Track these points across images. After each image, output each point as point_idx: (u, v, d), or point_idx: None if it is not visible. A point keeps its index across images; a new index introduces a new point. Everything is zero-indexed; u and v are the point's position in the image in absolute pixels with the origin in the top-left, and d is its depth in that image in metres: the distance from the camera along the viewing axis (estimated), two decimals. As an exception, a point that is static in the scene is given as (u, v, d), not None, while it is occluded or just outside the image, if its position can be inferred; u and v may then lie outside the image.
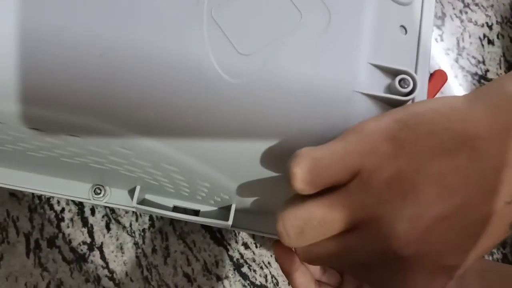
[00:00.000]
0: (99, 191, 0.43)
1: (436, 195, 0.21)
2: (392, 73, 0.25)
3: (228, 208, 0.40)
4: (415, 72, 0.26)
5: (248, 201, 0.37)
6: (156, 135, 0.27)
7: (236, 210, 0.40)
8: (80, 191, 0.43)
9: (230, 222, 0.39)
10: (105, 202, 0.43)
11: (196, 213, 0.44)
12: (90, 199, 0.43)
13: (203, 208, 0.44)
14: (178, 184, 0.36)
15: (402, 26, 0.26)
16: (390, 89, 0.25)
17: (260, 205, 0.38)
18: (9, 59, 0.24)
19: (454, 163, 0.21)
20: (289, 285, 0.53)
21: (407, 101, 0.25)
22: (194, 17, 0.24)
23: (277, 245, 0.42)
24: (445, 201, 0.21)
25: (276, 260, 0.43)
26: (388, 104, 0.25)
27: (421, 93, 0.25)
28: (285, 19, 0.25)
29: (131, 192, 0.43)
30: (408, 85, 0.24)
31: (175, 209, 0.44)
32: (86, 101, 0.25)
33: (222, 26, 0.24)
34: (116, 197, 0.44)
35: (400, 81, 0.24)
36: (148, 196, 0.43)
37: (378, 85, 0.25)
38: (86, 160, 0.33)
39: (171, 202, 0.44)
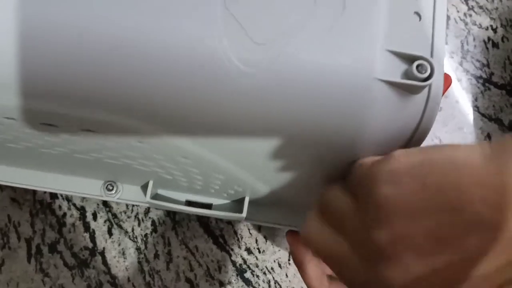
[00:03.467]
0: (111, 188, 0.42)
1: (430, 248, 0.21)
2: (409, 59, 0.25)
3: (240, 200, 0.40)
4: (431, 57, 0.26)
5: (262, 192, 0.37)
6: (171, 127, 0.27)
7: (248, 203, 0.40)
8: (92, 188, 0.43)
9: (244, 214, 0.39)
10: (118, 199, 0.42)
11: (208, 207, 0.43)
12: (102, 196, 0.42)
13: (215, 201, 0.43)
14: (192, 177, 0.35)
15: (416, 13, 0.26)
16: (407, 75, 0.25)
17: (274, 195, 0.38)
18: (18, 54, 0.24)
19: (452, 222, 0.21)
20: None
21: (425, 86, 0.24)
22: (208, 7, 0.24)
23: (290, 234, 0.41)
24: (438, 255, 0.21)
25: (289, 250, 0.42)
26: (406, 90, 0.25)
27: (438, 78, 0.25)
28: (299, 6, 0.25)
29: (144, 188, 0.42)
30: (426, 71, 0.24)
31: (188, 203, 0.43)
32: (98, 93, 0.25)
33: (237, 16, 0.24)
34: (129, 193, 0.43)
35: (417, 66, 0.24)
36: (161, 191, 0.43)
37: (395, 71, 0.25)
38: (100, 155, 0.33)
39: (183, 196, 0.43)
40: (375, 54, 0.24)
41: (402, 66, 0.25)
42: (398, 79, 0.24)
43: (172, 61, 0.24)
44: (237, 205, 0.42)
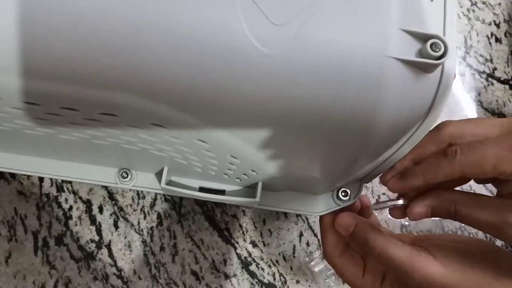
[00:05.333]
0: (125, 175, 0.42)
1: None
2: (423, 38, 0.25)
3: (253, 186, 0.40)
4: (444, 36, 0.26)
5: (276, 176, 0.37)
6: (190, 109, 0.27)
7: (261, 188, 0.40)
8: (107, 175, 0.43)
9: (257, 199, 0.39)
10: (132, 186, 0.43)
11: (221, 193, 0.43)
12: (117, 183, 0.42)
13: (228, 188, 0.43)
14: (207, 162, 0.36)
15: None
16: (421, 53, 0.25)
17: (287, 180, 0.38)
18: (44, 37, 0.24)
19: None
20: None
21: (439, 64, 0.25)
22: None
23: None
24: None
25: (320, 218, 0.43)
26: (420, 69, 0.25)
27: (451, 57, 0.26)
28: None
29: (158, 176, 0.43)
30: (440, 49, 0.24)
31: (201, 189, 0.43)
32: (121, 77, 0.25)
33: None
34: (143, 180, 0.43)
35: (431, 45, 0.25)
36: (174, 178, 0.43)
37: (409, 50, 0.25)
38: (118, 140, 0.33)
39: (196, 183, 0.43)
40: (389, 33, 0.25)
41: (416, 45, 0.25)
42: (412, 57, 0.25)
43: (190, 43, 0.24)
44: (250, 191, 0.42)
